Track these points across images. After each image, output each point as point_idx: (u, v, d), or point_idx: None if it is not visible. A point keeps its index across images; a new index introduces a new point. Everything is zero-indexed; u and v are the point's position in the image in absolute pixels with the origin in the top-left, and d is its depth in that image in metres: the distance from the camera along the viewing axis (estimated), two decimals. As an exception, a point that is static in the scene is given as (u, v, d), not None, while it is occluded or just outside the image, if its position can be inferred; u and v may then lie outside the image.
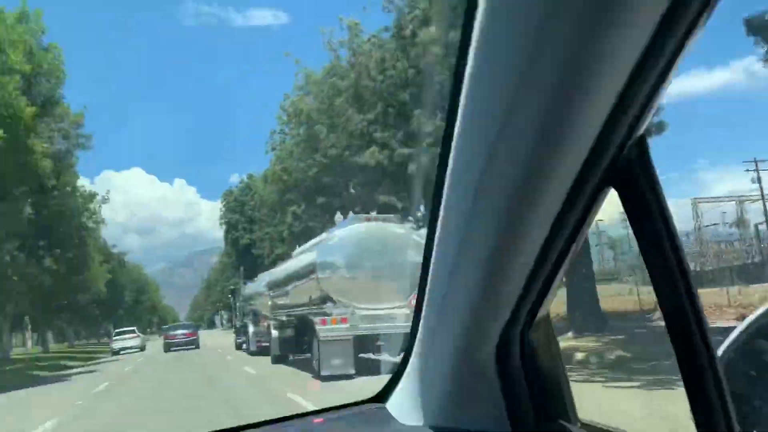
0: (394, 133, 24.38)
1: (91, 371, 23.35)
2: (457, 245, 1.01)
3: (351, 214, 15.72)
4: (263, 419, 1.47)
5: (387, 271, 12.22)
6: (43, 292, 34.70)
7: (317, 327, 12.31)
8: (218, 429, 1.47)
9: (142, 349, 37.54)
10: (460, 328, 1.10)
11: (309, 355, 14.48)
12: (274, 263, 38.08)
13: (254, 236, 52.46)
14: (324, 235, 14.48)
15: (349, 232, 13.00)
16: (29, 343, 71.76)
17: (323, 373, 11.80)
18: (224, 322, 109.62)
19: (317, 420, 1.55)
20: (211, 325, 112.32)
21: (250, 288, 25.60)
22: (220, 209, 60.72)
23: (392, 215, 15.48)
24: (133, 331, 39.99)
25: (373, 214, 15.30)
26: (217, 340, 44.67)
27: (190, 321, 66.60)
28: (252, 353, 21.63)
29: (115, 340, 38.59)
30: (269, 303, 18.28)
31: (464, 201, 0.95)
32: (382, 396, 1.47)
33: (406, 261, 12.12)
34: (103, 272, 42.67)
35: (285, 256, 29.63)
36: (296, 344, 15.71)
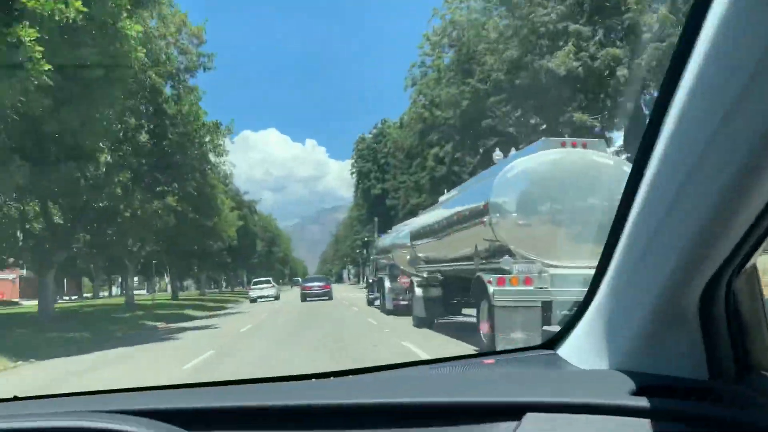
0: (594, 30, 17.34)
1: (206, 327, 19.03)
2: (679, 183, 0.91)
3: (513, 151, 12.53)
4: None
5: (590, 215, 8.83)
6: (168, 235, 31.74)
7: (491, 288, 9.00)
8: (398, 362, 1.54)
9: (276, 298, 38.57)
10: (667, 271, 1.02)
11: (459, 318, 12.99)
12: (409, 214, 34.11)
13: (387, 185, 47.40)
14: (498, 168, 10.57)
15: (536, 161, 9.42)
16: (169, 288, 72.89)
17: (499, 349, 8.54)
18: (351, 276, 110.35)
19: (488, 361, 1.55)
20: (339, 279, 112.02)
21: (385, 240, 22.41)
22: (351, 157, 55.75)
23: (597, 140, 11.52)
24: (269, 281, 41.45)
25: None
26: (347, 294, 41.89)
27: (319, 275, 67.69)
28: (388, 312, 18.64)
29: (253, 288, 40.06)
30: (412, 256, 15.65)
31: (697, 132, 0.85)
32: (552, 345, 1.44)
33: (616, 202, 7.02)
34: (233, 218, 39.72)
35: (422, 206, 26.57)
36: (445, 306, 13.38)
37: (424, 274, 14.26)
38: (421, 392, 1.17)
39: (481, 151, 28.18)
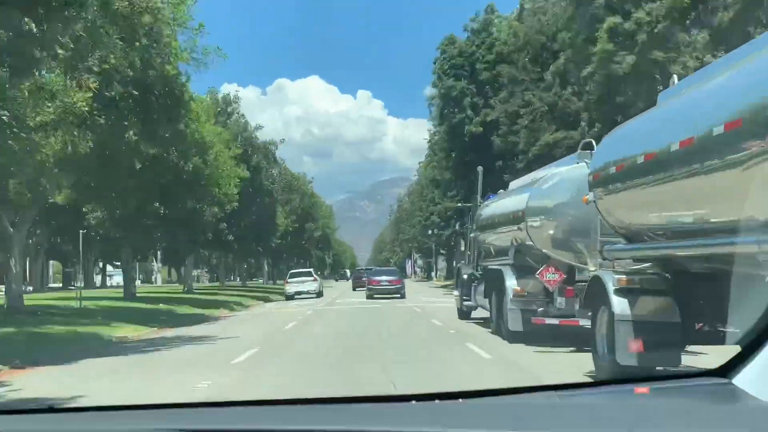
0: None
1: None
2: None
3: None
4: None
5: None
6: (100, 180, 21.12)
7: None
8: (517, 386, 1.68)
9: (319, 294, 38.11)
10: None
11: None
12: (536, 162, 25.37)
13: (493, 115, 35.01)
14: None
15: None
16: (171, 276, 63.99)
17: None
18: (417, 269, 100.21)
19: (640, 389, 1.56)
20: (401, 272, 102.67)
21: (506, 204, 15.94)
22: (432, 71, 43.05)
23: None
24: (309, 274, 40.76)
25: None
26: (423, 298, 32.27)
27: (390, 267, 63.60)
28: (512, 336, 13.26)
29: (290, 282, 39.06)
30: (580, 229, 11.97)
31: None
32: (725, 372, 1.40)
33: None
34: (229, 160, 28.94)
35: (562, 146, 23.13)
36: (684, 336, 8.30)
37: (617, 268, 9.46)
38: (558, 424, 1.16)
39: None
